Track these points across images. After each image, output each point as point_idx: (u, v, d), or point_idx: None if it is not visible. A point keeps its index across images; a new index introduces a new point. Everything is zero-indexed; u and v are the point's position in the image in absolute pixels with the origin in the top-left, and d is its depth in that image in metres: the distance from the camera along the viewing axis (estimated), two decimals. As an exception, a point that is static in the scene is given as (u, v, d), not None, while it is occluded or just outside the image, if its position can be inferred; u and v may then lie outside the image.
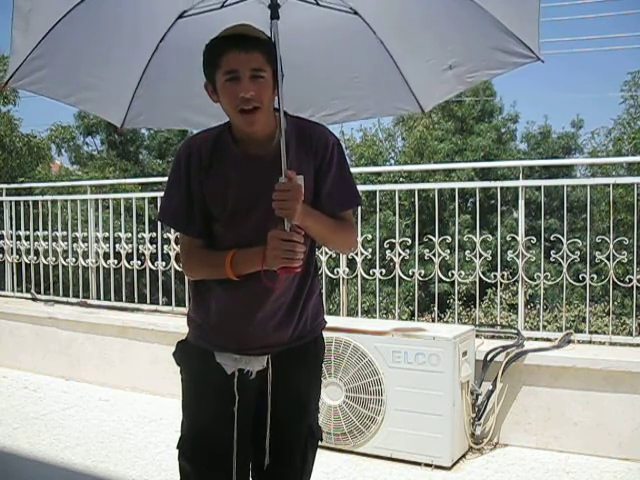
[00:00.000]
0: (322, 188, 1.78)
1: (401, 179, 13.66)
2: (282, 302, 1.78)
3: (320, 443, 1.95)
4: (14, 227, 5.81)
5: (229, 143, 1.77)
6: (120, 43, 2.10)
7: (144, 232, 5.06)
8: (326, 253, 4.34)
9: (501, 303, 7.65)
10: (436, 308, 4.83)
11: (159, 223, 4.87)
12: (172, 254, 4.88)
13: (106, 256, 5.31)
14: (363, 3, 2.09)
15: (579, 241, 3.87)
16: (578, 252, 3.84)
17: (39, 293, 5.66)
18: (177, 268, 4.83)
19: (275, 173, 1.63)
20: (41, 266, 5.63)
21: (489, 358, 3.53)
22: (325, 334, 1.95)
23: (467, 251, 4.13)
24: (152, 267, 5.03)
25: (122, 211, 5.26)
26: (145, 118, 2.34)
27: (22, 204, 5.78)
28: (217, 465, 1.79)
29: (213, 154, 1.76)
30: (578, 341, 3.79)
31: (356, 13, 2.09)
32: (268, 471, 1.85)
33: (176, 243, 4.79)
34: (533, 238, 3.95)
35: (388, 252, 4.26)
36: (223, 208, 1.75)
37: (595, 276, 3.84)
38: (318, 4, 2.03)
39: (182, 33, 2.03)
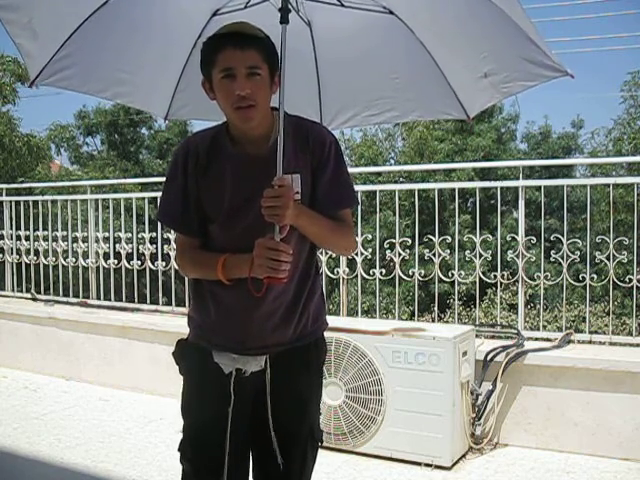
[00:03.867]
0: (318, 187, 1.77)
1: (401, 179, 13.65)
2: (281, 302, 1.77)
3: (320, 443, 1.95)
4: (14, 227, 5.80)
5: (226, 143, 1.76)
6: (155, 40, 2.15)
7: (144, 232, 5.07)
8: (326, 253, 4.34)
9: (501, 303, 7.64)
10: (436, 308, 4.83)
11: (159, 223, 4.87)
12: (172, 254, 4.87)
13: (106, 256, 5.31)
14: (397, 2, 2.07)
15: (579, 241, 3.88)
16: (578, 252, 3.84)
17: (39, 293, 5.66)
18: (177, 268, 4.82)
19: (271, 173, 1.62)
20: (41, 266, 5.63)
21: (489, 358, 3.53)
22: (325, 334, 1.94)
23: (467, 251, 4.13)
24: (152, 267, 5.03)
25: (122, 211, 5.26)
26: (191, 109, 2.39)
27: (22, 204, 5.78)
28: (215, 466, 1.78)
29: (210, 153, 1.76)
30: (578, 341, 3.79)
31: (392, 12, 2.09)
32: (268, 472, 1.84)
33: (176, 243, 4.79)
34: (533, 238, 3.95)
35: (388, 252, 4.26)
36: (218, 208, 1.74)
37: (595, 276, 3.85)
38: (342, 5, 2.02)
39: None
